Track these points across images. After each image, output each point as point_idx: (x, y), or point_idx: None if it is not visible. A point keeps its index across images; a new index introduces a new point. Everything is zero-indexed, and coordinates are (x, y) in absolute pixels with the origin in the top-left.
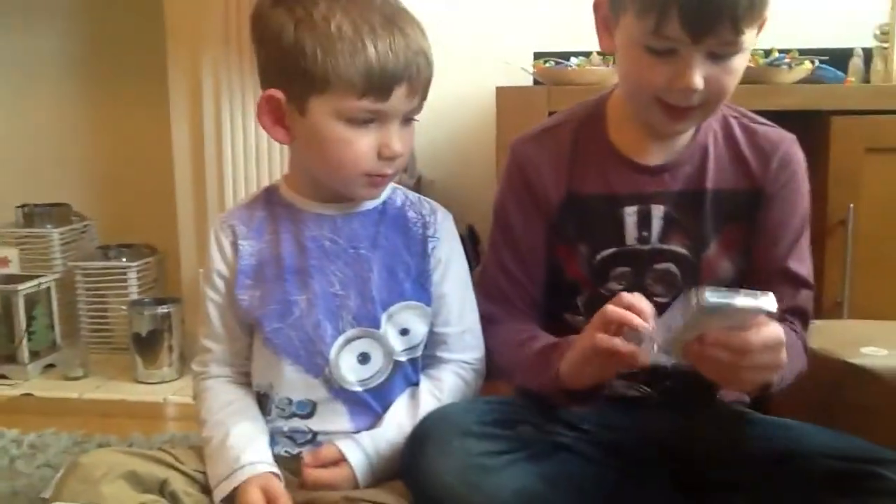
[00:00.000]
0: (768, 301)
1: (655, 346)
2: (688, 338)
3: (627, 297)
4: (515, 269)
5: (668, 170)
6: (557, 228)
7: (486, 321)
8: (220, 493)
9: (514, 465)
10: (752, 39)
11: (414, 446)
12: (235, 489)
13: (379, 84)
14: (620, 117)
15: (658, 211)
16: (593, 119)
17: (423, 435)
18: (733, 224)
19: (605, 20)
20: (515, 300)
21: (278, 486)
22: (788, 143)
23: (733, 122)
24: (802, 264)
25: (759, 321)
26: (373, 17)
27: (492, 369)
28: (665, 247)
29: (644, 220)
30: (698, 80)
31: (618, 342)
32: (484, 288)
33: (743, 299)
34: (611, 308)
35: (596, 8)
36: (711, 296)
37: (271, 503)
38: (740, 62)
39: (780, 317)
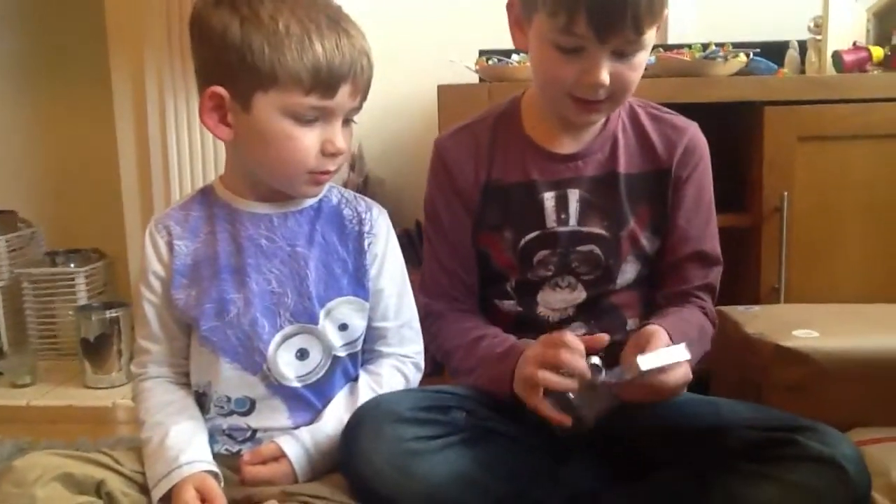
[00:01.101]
0: (682, 353)
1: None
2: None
3: (568, 337)
4: (449, 262)
5: (580, 157)
6: (481, 217)
7: (432, 318)
8: (157, 492)
9: (446, 450)
10: (653, 37)
11: (348, 434)
12: (172, 488)
13: (326, 81)
14: (534, 112)
15: (574, 195)
16: (509, 115)
17: (356, 422)
18: (646, 205)
19: (518, 19)
20: (455, 293)
21: (213, 486)
22: (693, 130)
23: (640, 111)
24: (713, 242)
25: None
26: (319, 17)
27: (444, 367)
28: (585, 229)
29: (562, 204)
30: (605, 77)
31: (555, 379)
32: (424, 286)
33: (667, 357)
34: (552, 353)
35: (509, 7)
36: (645, 364)
37: (206, 502)
38: (642, 58)
39: (692, 293)
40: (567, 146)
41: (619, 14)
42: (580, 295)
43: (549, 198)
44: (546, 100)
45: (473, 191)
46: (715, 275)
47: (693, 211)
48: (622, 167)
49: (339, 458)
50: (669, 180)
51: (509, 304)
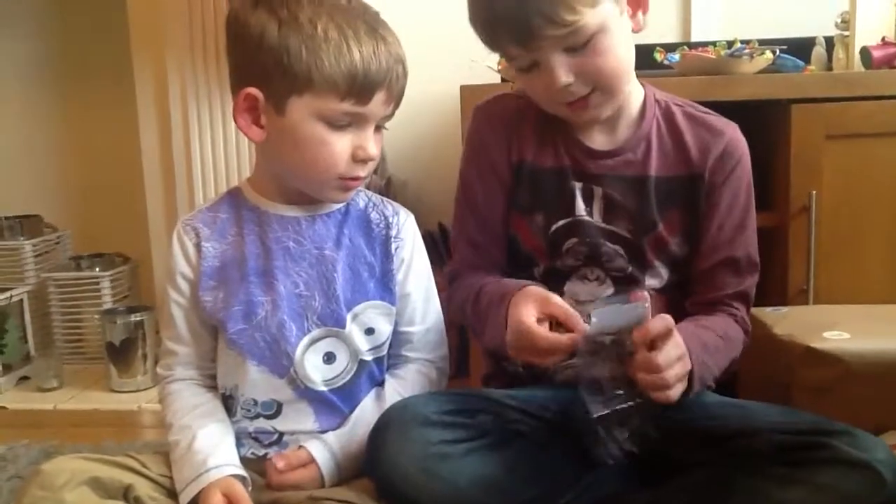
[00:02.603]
0: (639, 308)
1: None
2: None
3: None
4: (478, 235)
5: (611, 156)
6: (513, 198)
7: (453, 278)
8: (185, 496)
9: (473, 453)
10: (593, 16)
11: (375, 437)
12: (200, 493)
13: (361, 87)
14: None
15: (598, 192)
16: None
17: (383, 425)
18: (677, 209)
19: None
20: (482, 264)
21: (240, 490)
22: (731, 132)
23: (676, 111)
24: (748, 249)
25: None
26: (357, 23)
27: (468, 366)
28: (610, 227)
29: (587, 198)
30: (564, 78)
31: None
32: (453, 254)
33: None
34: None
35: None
36: (597, 314)
37: None
38: (605, 40)
39: (722, 301)
40: (600, 142)
41: (524, 19)
42: (608, 290)
43: (578, 187)
44: (549, 111)
45: (506, 168)
46: (749, 283)
47: (726, 216)
48: (653, 170)
49: (366, 461)
50: (703, 185)
51: None
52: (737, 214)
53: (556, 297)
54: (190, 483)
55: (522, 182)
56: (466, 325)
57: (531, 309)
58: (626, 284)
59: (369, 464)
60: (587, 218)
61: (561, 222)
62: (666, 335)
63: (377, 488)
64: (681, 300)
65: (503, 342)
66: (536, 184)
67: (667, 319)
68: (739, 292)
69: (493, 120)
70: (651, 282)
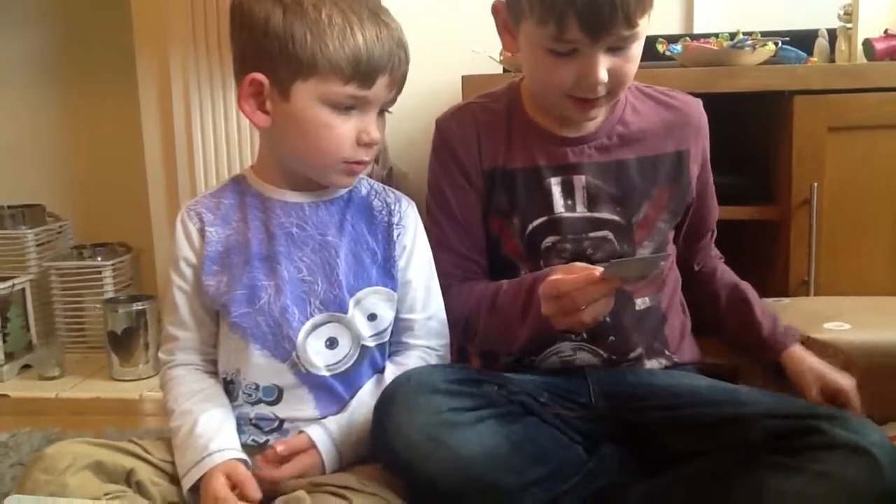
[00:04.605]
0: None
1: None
2: None
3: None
4: (459, 244)
5: (586, 141)
6: (489, 202)
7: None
8: (188, 480)
9: (481, 423)
10: (646, 26)
11: (380, 408)
12: (203, 476)
13: (365, 71)
14: (534, 102)
15: (580, 181)
16: (510, 98)
17: (389, 396)
18: (661, 187)
19: (506, 24)
20: (465, 274)
21: (244, 472)
22: (699, 107)
23: (645, 92)
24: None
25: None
26: (360, 8)
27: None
28: (596, 215)
29: (568, 190)
30: (603, 74)
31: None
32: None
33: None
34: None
35: (495, 12)
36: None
37: (237, 488)
38: (638, 48)
39: (718, 265)
40: (572, 130)
41: (609, 13)
42: None
43: (555, 183)
44: (543, 102)
45: (479, 175)
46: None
47: (707, 187)
48: (633, 151)
49: (371, 433)
50: (686, 160)
51: None
52: (711, 187)
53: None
54: (192, 467)
55: (496, 187)
56: (469, 330)
57: (558, 274)
58: None
59: (375, 439)
60: (566, 214)
61: (537, 221)
62: None
63: (381, 459)
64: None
65: (530, 324)
66: (511, 186)
67: None
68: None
69: (459, 130)
70: None
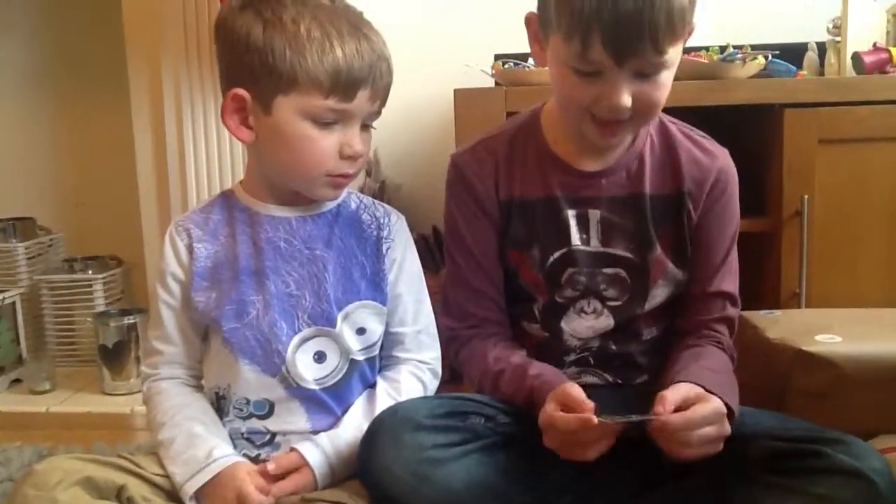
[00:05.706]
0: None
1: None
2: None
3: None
4: (476, 279)
5: (604, 175)
6: (507, 234)
7: (458, 344)
8: (191, 486)
9: (466, 457)
10: (678, 53)
11: (366, 442)
12: (209, 481)
13: (345, 84)
14: (556, 126)
15: (594, 216)
16: (529, 128)
17: (375, 431)
18: (668, 228)
19: (537, 35)
20: (482, 313)
21: (251, 468)
22: (724, 158)
23: (672, 129)
24: (732, 281)
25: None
26: (340, 22)
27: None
28: (609, 251)
29: (582, 223)
30: (625, 100)
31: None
32: (448, 308)
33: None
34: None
35: (527, 23)
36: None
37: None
38: (668, 76)
39: (709, 326)
40: (590, 163)
41: (636, 36)
42: (607, 322)
43: (571, 215)
44: (566, 117)
45: (495, 206)
46: (732, 311)
47: (716, 243)
48: (648, 188)
49: (358, 466)
50: (693, 205)
51: (535, 328)
52: (726, 241)
53: (572, 388)
54: (196, 473)
55: (514, 217)
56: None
57: (552, 403)
58: (625, 313)
59: (362, 469)
60: (582, 247)
61: (557, 254)
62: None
63: (370, 494)
64: (671, 314)
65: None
66: (529, 216)
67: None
68: (725, 317)
69: (473, 161)
70: (653, 302)
